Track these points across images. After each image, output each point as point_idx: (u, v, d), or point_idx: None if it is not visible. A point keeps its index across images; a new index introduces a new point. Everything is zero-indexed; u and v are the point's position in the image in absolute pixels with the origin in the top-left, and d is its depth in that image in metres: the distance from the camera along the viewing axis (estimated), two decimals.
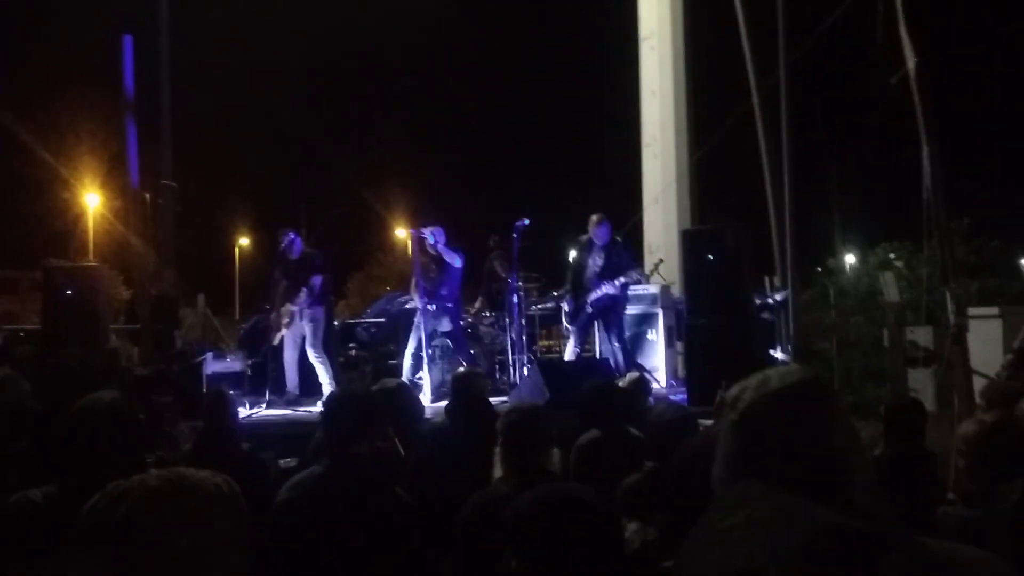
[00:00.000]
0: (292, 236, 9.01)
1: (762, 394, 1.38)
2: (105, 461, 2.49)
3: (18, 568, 2.28)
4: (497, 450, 3.27)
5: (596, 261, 8.92)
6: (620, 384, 5.47)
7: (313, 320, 8.91)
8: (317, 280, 8.90)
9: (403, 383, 5.22)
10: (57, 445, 3.08)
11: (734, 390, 1.43)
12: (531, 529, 1.83)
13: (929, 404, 6.93)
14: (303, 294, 8.82)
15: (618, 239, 9.11)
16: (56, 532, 2.38)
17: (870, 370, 11.62)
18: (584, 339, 9.25)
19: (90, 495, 2.40)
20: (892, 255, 13.35)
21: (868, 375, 11.67)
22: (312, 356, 8.86)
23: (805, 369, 1.45)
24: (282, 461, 5.52)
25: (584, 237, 9.10)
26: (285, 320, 8.89)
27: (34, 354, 9.15)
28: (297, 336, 8.96)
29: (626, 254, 9.02)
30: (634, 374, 6.03)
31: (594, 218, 8.97)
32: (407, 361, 9.02)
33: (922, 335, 8.81)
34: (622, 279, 8.71)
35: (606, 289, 8.78)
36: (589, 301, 8.92)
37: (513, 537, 1.85)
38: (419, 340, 8.93)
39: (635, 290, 10.83)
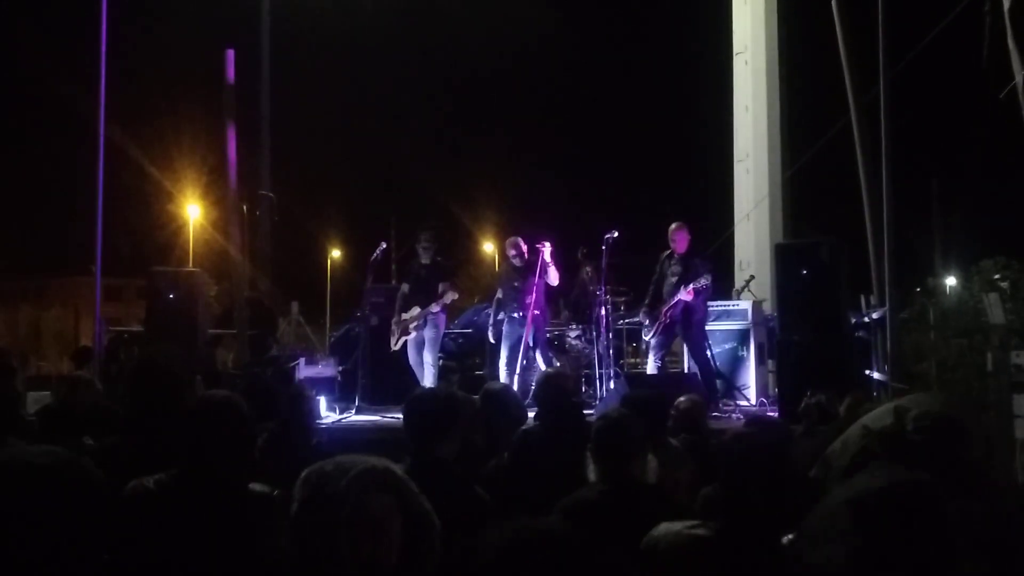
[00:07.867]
0: (428, 241, 8.92)
1: None
2: (216, 454, 2.67)
3: (135, 552, 2.40)
4: (588, 454, 3.26)
5: (675, 271, 8.84)
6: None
7: (438, 326, 8.89)
8: (448, 285, 8.79)
9: (508, 386, 5.25)
10: (150, 439, 3.29)
11: None
12: None
13: None
14: (445, 296, 8.72)
15: (698, 251, 8.99)
16: (167, 517, 2.52)
17: (971, 395, 11.17)
18: (663, 353, 9.11)
19: (199, 483, 2.59)
20: (997, 276, 12.80)
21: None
22: (429, 361, 8.82)
23: None
24: None
25: (666, 252, 9.04)
26: (414, 324, 8.79)
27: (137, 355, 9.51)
28: (420, 340, 8.88)
29: (702, 263, 8.87)
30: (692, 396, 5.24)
31: (673, 226, 8.94)
32: (503, 371, 9.06)
33: None
34: (692, 285, 8.57)
35: (680, 296, 8.67)
36: (664, 311, 8.83)
37: None
38: (509, 349, 8.99)
39: (725, 306, 10.65)
